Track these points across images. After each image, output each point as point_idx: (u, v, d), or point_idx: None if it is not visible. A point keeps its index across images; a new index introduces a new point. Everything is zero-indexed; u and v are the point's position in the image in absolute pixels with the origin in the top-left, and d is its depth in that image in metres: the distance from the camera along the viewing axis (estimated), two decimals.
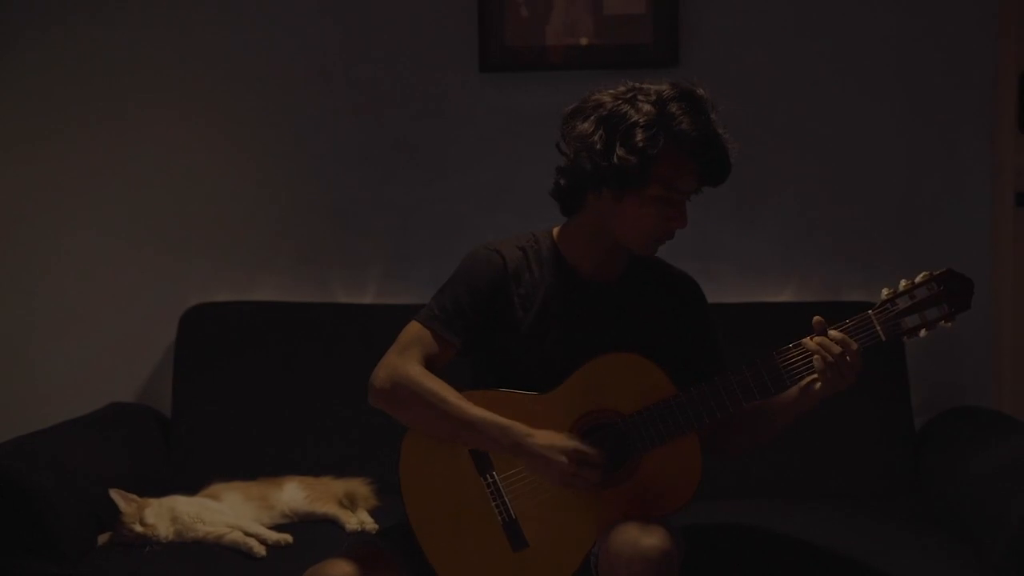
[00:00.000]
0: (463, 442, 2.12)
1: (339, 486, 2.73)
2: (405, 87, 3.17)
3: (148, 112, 3.20)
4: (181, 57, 3.19)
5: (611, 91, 2.12)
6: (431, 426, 2.13)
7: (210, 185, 3.22)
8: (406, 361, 2.13)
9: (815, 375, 2.04)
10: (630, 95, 2.09)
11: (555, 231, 2.26)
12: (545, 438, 2.06)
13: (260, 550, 2.46)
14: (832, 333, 2.03)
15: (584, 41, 3.10)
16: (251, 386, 3.00)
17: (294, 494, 2.67)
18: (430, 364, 2.15)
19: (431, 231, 3.18)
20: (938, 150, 3.11)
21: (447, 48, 3.15)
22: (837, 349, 2.00)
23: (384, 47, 3.17)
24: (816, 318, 2.05)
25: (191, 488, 2.68)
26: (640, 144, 2.04)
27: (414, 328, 2.18)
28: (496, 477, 2.12)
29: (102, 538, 2.53)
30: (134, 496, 2.54)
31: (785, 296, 3.12)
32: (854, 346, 2.01)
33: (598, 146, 2.07)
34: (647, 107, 2.06)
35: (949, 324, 2.02)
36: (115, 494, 2.52)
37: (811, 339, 2.04)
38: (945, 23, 3.09)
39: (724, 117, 2.12)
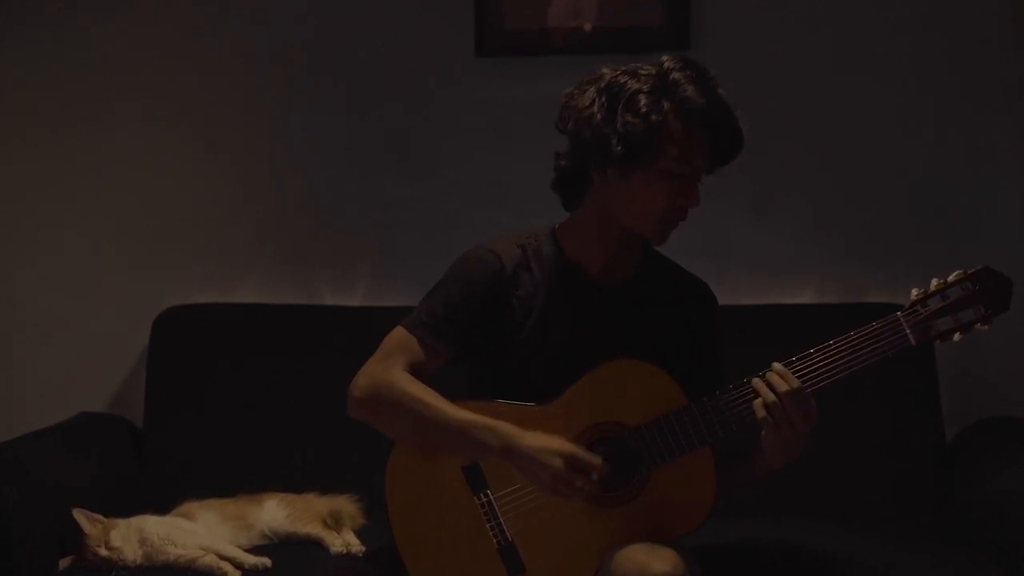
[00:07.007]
0: (450, 450, 2.06)
1: (323, 504, 2.67)
2: (394, 74, 3.13)
3: (122, 103, 3.15)
4: (156, 50, 3.15)
5: (611, 68, 2.08)
6: (414, 434, 2.08)
7: (186, 180, 3.18)
8: (388, 368, 2.08)
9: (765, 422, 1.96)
10: (631, 68, 2.06)
11: (557, 227, 2.20)
12: (539, 439, 1.99)
13: (236, 575, 2.39)
14: (776, 367, 1.94)
15: (588, 25, 3.07)
16: (229, 395, 2.95)
17: (274, 513, 2.61)
18: (416, 373, 2.10)
19: (423, 229, 3.13)
20: (964, 144, 3.07)
21: (441, 31, 3.10)
22: (784, 387, 1.92)
23: (372, 31, 3.13)
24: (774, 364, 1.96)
25: (163, 506, 2.63)
26: (644, 109, 1.99)
27: (399, 334, 2.12)
28: (491, 496, 2.05)
29: (64, 562, 2.47)
30: (99, 516, 2.49)
31: (804, 297, 3.09)
32: (796, 383, 1.93)
33: (599, 115, 2.01)
34: (648, 76, 2.03)
35: (985, 327, 1.94)
36: (78, 514, 2.46)
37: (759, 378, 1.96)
38: (970, 12, 3.04)
39: (737, 108, 2.06)
